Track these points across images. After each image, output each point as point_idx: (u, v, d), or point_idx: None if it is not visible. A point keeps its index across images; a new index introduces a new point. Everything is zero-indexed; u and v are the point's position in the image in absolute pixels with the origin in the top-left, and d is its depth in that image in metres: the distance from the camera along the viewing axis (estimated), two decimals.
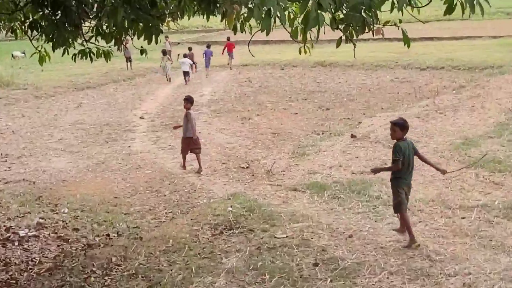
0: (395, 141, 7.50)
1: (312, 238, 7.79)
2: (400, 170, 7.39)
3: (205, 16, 6.63)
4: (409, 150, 7.42)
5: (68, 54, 7.44)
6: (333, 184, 10.15)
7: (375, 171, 7.81)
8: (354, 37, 5.17)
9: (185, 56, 27.49)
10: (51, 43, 6.82)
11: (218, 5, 6.21)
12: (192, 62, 27.60)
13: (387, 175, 7.93)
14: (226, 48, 31.05)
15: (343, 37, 5.24)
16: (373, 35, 5.10)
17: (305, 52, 6.16)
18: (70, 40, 6.94)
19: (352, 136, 13.63)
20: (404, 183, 7.51)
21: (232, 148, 14.22)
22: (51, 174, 12.64)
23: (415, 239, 7.40)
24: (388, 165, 7.96)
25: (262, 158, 13.17)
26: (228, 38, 30.31)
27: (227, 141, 14.97)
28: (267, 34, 4.73)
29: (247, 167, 12.45)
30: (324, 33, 4.79)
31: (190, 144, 12.53)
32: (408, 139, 7.55)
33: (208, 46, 30.11)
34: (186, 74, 26.62)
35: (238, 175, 11.95)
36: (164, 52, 27.72)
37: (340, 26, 5.08)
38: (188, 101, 12.60)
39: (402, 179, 7.49)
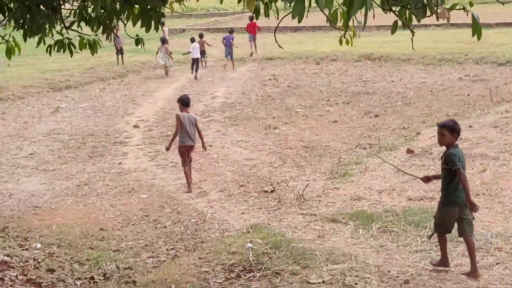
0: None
1: (356, 284, 7.74)
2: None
3: None
4: (463, 159, 7.61)
5: (44, 44, 7.51)
6: (383, 214, 10.09)
7: (472, 204, 7.55)
8: (413, 22, 5.16)
9: (192, 41, 27.94)
10: (22, 31, 6.89)
11: None
12: (201, 51, 28.15)
13: (438, 193, 7.94)
14: (248, 30, 31.76)
15: (399, 22, 5.23)
16: (437, 20, 5.09)
17: (348, 42, 6.16)
18: (46, 27, 7.01)
19: (409, 151, 13.55)
20: (457, 201, 7.61)
21: (252, 166, 14.22)
22: (19, 198, 12.73)
23: (448, 263, 7.77)
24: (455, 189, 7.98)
25: (291, 179, 13.15)
26: (251, 18, 30.74)
27: (246, 157, 14.99)
28: (300, 20, 4.74)
29: (272, 191, 12.45)
30: (374, 17, 4.78)
31: (189, 153, 13.04)
32: (459, 148, 7.73)
33: (231, 32, 30.62)
34: (195, 62, 27.11)
35: (260, 201, 11.94)
36: (164, 40, 28.01)
37: (394, 8, 5.07)
38: (180, 102, 13.12)
39: (456, 195, 7.62)
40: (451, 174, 7.52)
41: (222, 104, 21.57)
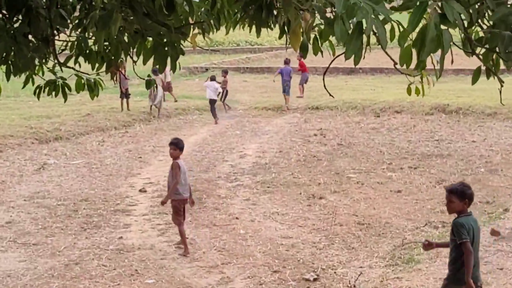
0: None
1: None
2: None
3: (252, 28, 6.69)
4: (475, 230, 7.98)
5: (33, 84, 7.60)
6: None
7: (469, 286, 7.99)
8: (500, 68, 5.18)
9: (212, 79, 28.46)
10: (4, 67, 6.99)
11: (275, 11, 6.27)
12: (220, 89, 28.84)
13: None
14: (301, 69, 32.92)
15: (483, 68, 5.24)
16: None
17: (418, 91, 6.16)
18: (36, 62, 7.10)
19: (494, 232, 13.48)
20: (473, 277, 7.90)
21: (290, 247, 14.18)
22: None
23: None
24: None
25: (340, 264, 13.10)
26: (302, 55, 31.61)
27: (282, 234, 14.95)
28: (356, 62, 4.67)
29: (314, 279, 12.40)
30: (452, 62, 4.78)
31: (184, 209, 13.83)
32: (474, 216, 8.08)
33: (287, 62, 31.47)
34: (213, 104, 27.94)
35: None
36: (155, 71, 28.30)
37: (478, 50, 5.08)
38: (175, 145, 13.88)
39: (462, 271, 7.87)
40: (460, 247, 7.74)
41: (253, 165, 21.61)
